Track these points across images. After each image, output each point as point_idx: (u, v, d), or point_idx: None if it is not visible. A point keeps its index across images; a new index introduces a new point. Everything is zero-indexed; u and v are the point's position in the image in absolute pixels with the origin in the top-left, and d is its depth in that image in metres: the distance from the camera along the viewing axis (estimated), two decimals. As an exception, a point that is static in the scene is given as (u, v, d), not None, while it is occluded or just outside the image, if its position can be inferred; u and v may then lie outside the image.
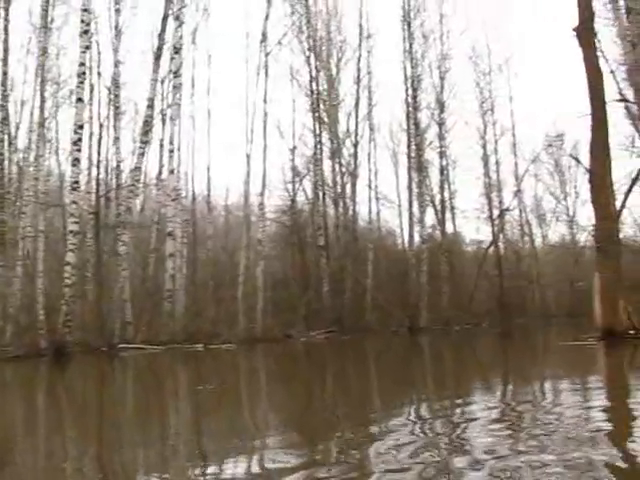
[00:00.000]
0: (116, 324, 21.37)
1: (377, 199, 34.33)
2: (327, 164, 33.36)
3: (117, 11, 26.89)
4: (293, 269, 31.73)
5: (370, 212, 33.93)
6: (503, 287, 33.03)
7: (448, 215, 36.15)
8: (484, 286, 34.32)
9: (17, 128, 29.14)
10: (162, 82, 27.92)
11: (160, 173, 28.96)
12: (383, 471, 3.71)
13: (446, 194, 35.99)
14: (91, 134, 27.07)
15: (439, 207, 35.24)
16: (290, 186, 32.59)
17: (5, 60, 24.64)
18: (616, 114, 19.96)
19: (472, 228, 37.90)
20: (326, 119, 33.95)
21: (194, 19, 29.33)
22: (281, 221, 33.07)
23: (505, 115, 37.60)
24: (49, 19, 24.49)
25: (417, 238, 32.86)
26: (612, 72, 18.55)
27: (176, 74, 24.62)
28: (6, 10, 24.54)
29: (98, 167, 27.41)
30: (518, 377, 10.00)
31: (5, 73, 24.80)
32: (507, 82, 37.39)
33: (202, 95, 30.88)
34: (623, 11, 17.75)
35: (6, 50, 24.66)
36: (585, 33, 16.33)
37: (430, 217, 34.62)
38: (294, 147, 32.28)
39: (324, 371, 13.45)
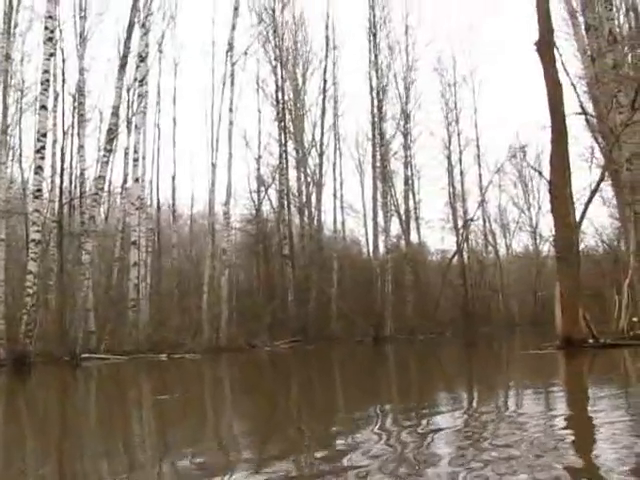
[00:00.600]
0: (79, 333, 21.10)
1: (342, 208, 34.56)
2: (293, 173, 33.54)
3: (82, 18, 26.71)
4: (258, 278, 31.72)
5: (335, 221, 34.14)
6: (467, 296, 33.38)
7: (413, 225, 36.49)
8: (449, 295, 34.63)
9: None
10: (128, 90, 27.75)
11: (125, 182, 28.74)
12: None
13: (411, 204, 36.34)
14: (55, 142, 26.79)
15: (404, 217, 35.52)
16: (255, 195, 32.65)
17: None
18: (576, 126, 20.37)
19: (437, 238, 38.36)
20: (292, 129, 34.04)
21: (160, 27, 29.25)
22: (246, 230, 33.09)
23: (470, 126, 38.11)
24: (12, 24, 24.24)
25: (382, 248, 33.05)
26: (573, 85, 18.88)
27: (141, 82, 24.55)
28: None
29: (62, 175, 27.12)
30: (482, 386, 10.10)
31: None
32: (472, 93, 37.92)
33: (168, 104, 30.86)
34: (583, 27, 18.09)
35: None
36: (545, 48, 16.61)
37: (395, 227, 34.92)
38: (259, 156, 32.36)
39: (288, 381, 13.44)
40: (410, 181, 36.41)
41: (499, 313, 37.06)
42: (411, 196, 36.55)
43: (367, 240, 36.41)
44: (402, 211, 35.58)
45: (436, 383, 11.31)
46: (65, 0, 27.65)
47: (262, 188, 32.79)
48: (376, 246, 33.39)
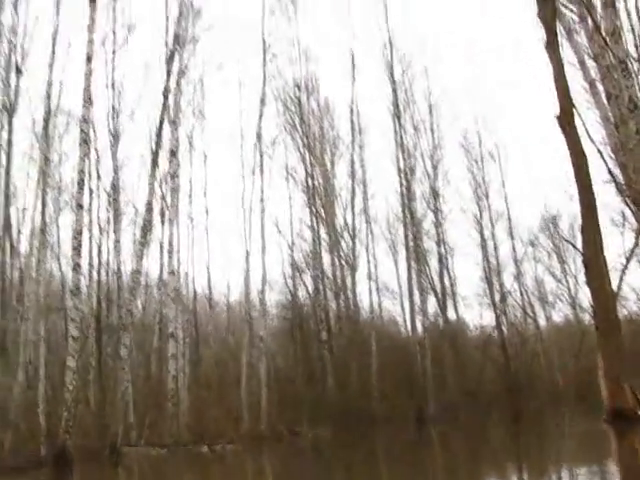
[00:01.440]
0: (119, 427, 21.08)
1: (378, 290, 34.43)
2: (326, 258, 33.64)
3: (115, 117, 27.68)
4: (296, 364, 31.52)
5: (372, 302, 33.95)
6: (509, 371, 32.76)
7: (450, 302, 36.21)
8: (491, 371, 34.04)
9: (19, 233, 29.56)
10: (160, 184, 28.46)
11: (161, 274, 29.13)
12: None
13: (446, 281, 36.17)
14: (91, 238, 27.40)
15: (440, 294, 35.33)
16: (290, 281, 32.78)
17: (8, 168, 25.18)
18: (606, 192, 20.31)
19: (475, 313, 37.95)
20: (323, 214, 34.39)
21: (189, 122, 30.14)
22: (283, 316, 33.10)
23: (499, 199, 38.15)
24: (50, 128, 25.22)
25: (420, 326, 32.80)
26: (599, 152, 18.90)
27: (173, 176, 25.13)
28: (9, 121, 25.21)
29: (99, 270, 27.63)
30: (534, 470, 9.82)
31: (8, 181, 25.30)
32: (499, 167, 38.11)
33: (199, 194, 31.47)
34: (603, 95, 18.26)
35: (9, 159, 25.23)
36: (566, 121, 16.77)
37: (432, 305, 34.69)
38: (292, 243, 32.64)
39: (338, 472, 13.13)
40: (444, 259, 36.39)
41: (543, 386, 36.17)
42: (446, 273, 36.47)
43: (404, 319, 36.20)
44: (438, 289, 35.45)
45: (488, 469, 11.04)
46: (98, 101, 28.57)
47: (297, 274, 32.99)
48: (414, 325, 33.14)
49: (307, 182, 33.85)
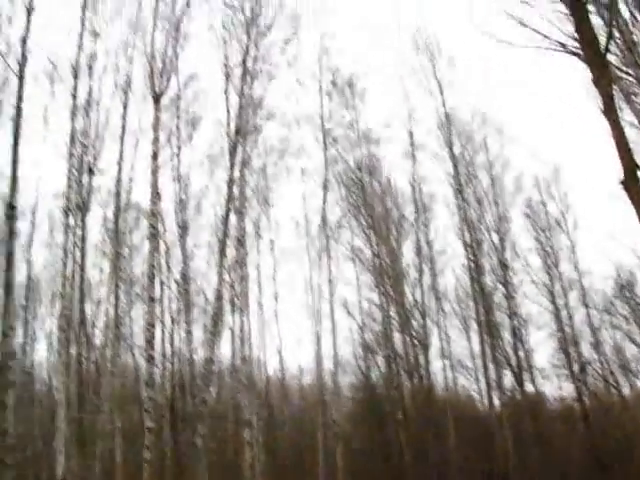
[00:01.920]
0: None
1: (452, 366, 33.87)
2: (397, 337, 33.36)
3: (182, 210, 28.51)
4: (372, 445, 31.00)
5: (446, 379, 33.37)
6: (595, 443, 31.47)
7: (527, 374, 35.27)
8: (574, 444, 32.78)
9: (94, 327, 30.30)
10: (229, 272, 28.94)
11: (233, 360, 29.33)
12: None
13: (521, 353, 35.32)
14: (163, 328, 27.91)
15: (516, 368, 34.49)
16: (362, 362, 32.56)
17: (82, 264, 25.98)
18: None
19: (553, 384, 36.75)
20: (392, 292, 34.31)
21: (255, 210, 30.81)
22: (357, 398, 32.77)
23: (570, 266, 37.38)
24: (121, 223, 26.09)
25: (497, 401, 32.00)
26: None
27: (241, 264, 25.56)
28: (82, 219, 26.14)
29: (172, 360, 28.01)
30: None
31: (82, 277, 26.09)
32: (567, 234, 37.50)
33: (268, 280, 31.87)
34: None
35: (83, 255, 26.07)
36: (631, 184, 16.54)
37: (508, 379, 33.86)
38: (363, 323, 32.56)
39: None
40: (517, 331, 35.62)
41: (633, 457, 34.52)
42: (520, 345, 35.64)
43: (481, 395, 35.40)
44: (513, 362, 34.63)
45: None
46: (166, 194, 29.55)
47: (368, 354, 32.79)
48: (491, 400, 32.36)
49: (374, 262, 33.94)
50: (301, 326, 34.47)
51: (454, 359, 34.41)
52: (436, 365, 33.98)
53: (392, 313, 33.72)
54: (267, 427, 29.52)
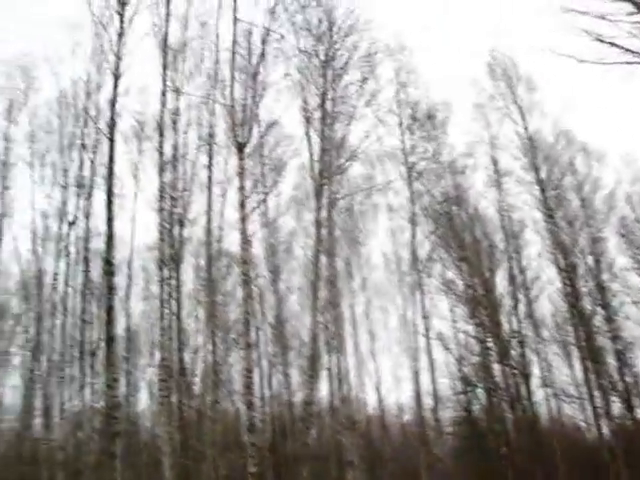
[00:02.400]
0: None
1: (555, 395, 32.90)
2: (496, 368, 32.66)
3: (272, 254, 28.85)
4: (478, 481, 30.27)
5: (550, 409, 32.43)
6: None
7: (637, 400, 33.87)
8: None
9: (193, 374, 30.83)
10: (322, 313, 29.03)
11: (332, 401, 29.30)
12: None
13: (629, 378, 33.99)
14: (261, 373, 28.16)
15: (624, 393, 33.19)
16: (462, 396, 31.96)
17: (178, 314, 26.55)
18: None
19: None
20: (488, 323, 33.69)
21: (345, 249, 30.91)
22: (458, 433, 32.14)
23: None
24: (213, 271, 26.59)
25: (606, 429, 30.80)
26: None
27: (334, 305, 25.60)
28: (177, 269, 26.77)
29: (271, 404, 28.17)
30: None
31: (179, 326, 26.66)
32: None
33: (362, 318, 31.84)
34: None
35: (179, 305, 26.66)
36: None
37: (617, 405, 32.60)
38: (460, 357, 32.03)
39: None
40: (622, 355, 34.34)
41: None
42: (627, 370, 34.32)
43: (588, 424, 34.13)
44: (620, 387, 33.33)
45: None
46: (256, 240, 30.02)
47: (468, 388, 32.17)
48: (599, 428, 31.20)
49: (467, 293, 33.46)
50: (398, 363, 34.21)
51: (557, 388, 33.43)
52: (538, 395, 33.14)
53: (489, 344, 33.06)
54: (370, 467, 29.22)
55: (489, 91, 35.02)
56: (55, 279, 28.96)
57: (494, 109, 34.96)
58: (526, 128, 35.15)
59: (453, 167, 34.91)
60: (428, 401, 29.02)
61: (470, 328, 33.04)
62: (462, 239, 34.50)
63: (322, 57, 23.21)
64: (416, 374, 28.59)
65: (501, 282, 35.52)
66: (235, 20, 21.00)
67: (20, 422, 36.69)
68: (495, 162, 34.99)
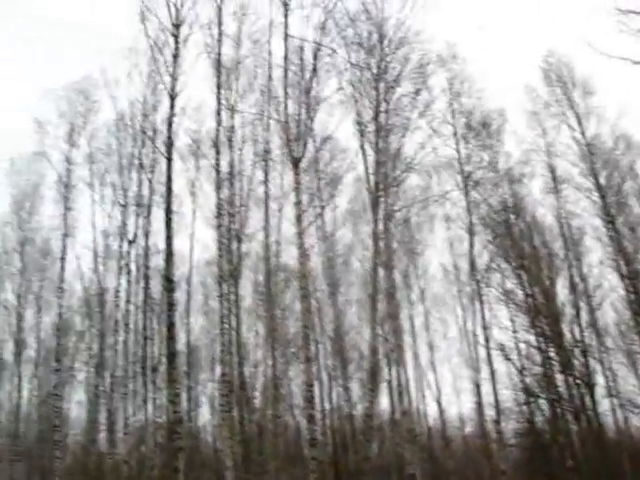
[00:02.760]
0: None
1: (621, 405, 32.14)
2: (560, 378, 32.05)
3: (330, 267, 28.91)
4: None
5: (616, 419, 31.68)
6: None
7: None
8: None
9: (253, 389, 31.02)
10: (381, 325, 28.96)
11: (392, 414, 29.15)
12: None
13: (702, 386, 33.06)
14: (321, 386, 28.18)
15: (698, 403, 32.28)
16: (525, 407, 31.42)
17: (238, 329, 26.77)
18: None
19: None
20: (549, 333, 33.11)
21: (403, 261, 30.80)
22: (522, 445, 31.58)
23: None
24: (272, 285, 26.78)
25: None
26: None
27: (393, 316, 25.51)
28: (235, 285, 27.01)
29: (332, 417, 28.14)
30: None
31: (239, 341, 26.87)
32: None
33: (421, 329, 31.67)
34: None
35: (238, 320, 26.89)
36: None
37: (691, 416, 31.73)
38: (522, 367, 31.52)
39: None
40: (692, 364, 33.45)
41: None
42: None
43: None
44: (693, 397, 32.42)
45: None
46: (314, 253, 30.17)
47: (530, 398, 31.59)
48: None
49: (528, 303, 32.92)
50: (458, 374, 33.90)
51: (623, 398, 32.65)
52: (604, 405, 32.41)
53: (552, 354, 32.46)
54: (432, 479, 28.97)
55: (544, 98, 34.47)
56: (117, 296, 29.51)
57: (550, 116, 34.40)
58: (583, 134, 34.51)
59: (510, 175, 34.46)
60: (490, 412, 28.63)
61: (531, 338, 32.47)
62: (521, 248, 33.98)
63: (374, 70, 23.20)
64: (477, 385, 28.28)
65: (562, 291, 34.91)
66: (286, 36, 21.26)
67: (85, 436, 37.48)
68: (552, 169, 34.45)
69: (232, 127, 25.51)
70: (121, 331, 29.20)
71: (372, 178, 22.99)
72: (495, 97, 42.41)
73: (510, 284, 33.19)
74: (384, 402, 30.38)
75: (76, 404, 40.48)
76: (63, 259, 28.71)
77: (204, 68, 23.19)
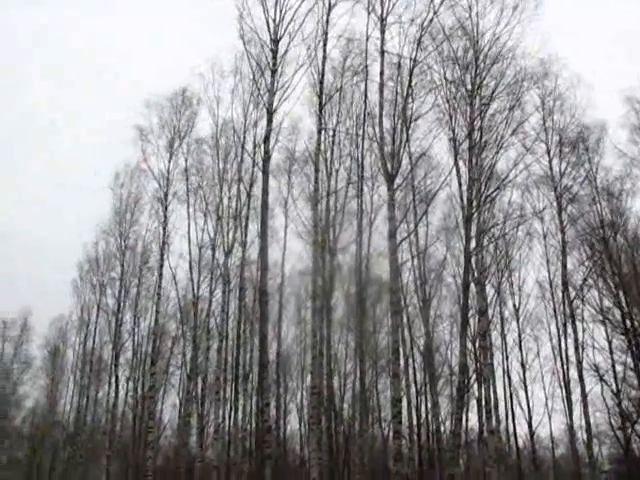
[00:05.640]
0: None
1: None
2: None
3: (423, 284, 28.83)
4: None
5: None
6: None
7: None
8: None
9: (342, 401, 31.22)
10: (473, 342, 28.69)
11: (481, 432, 28.75)
12: None
13: None
14: (409, 401, 28.08)
15: None
16: (620, 432, 30.47)
17: (329, 340, 26.88)
18: None
19: None
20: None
21: (496, 277, 30.41)
22: (617, 471, 30.67)
23: None
24: (364, 299, 26.88)
25: None
26: None
27: (484, 335, 25.19)
28: (327, 298, 27.17)
29: (419, 433, 28.01)
30: None
31: (329, 352, 26.99)
32: None
33: (513, 347, 31.16)
34: None
35: (329, 332, 27.01)
36: None
37: None
38: (618, 390, 30.59)
39: None
40: None
41: None
42: None
43: None
44: None
45: None
46: (406, 270, 30.17)
47: (627, 423, 30.60)
48: None
49: (625, 323, 31.93)
50: (550, 394, 33.08)
51: None
52: None
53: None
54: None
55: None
56: (210, 305, 30.20)
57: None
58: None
59: (609, 191, 33.50)
60: (582, 435, 27.93)
61: (629, 360, 31.47)
62: (619, 266, 32.99)
63: (469, 86, 23.02)
64: (569, 406, 27.61)
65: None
66: (382, 52, 21.33)
67: (177, 438, 38.50)
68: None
69: (329, 144, 25.93)
70: (215, 338, 29.86)
71: (465, 194, 22.79)
72: (595, 108, 40.87)
73: (607, 303, 32.32)
74: (473, 420, 30.06)
75: (169, 407, 41.67)
76: (161, 266, 29.54)
77: (302, 88, 23.38)
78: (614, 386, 30.91)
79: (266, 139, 21.43)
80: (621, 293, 32.41)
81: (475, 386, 28.92)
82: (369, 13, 22.21)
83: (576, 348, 28.02)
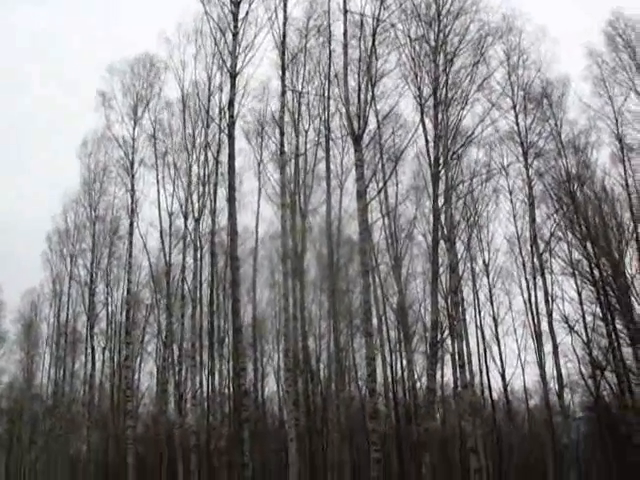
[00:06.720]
0: None
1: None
2: (627, 351, 31.53)
3: (393, 243, 29.00)
4: (612, 473, 29.32)
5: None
6: None
7: None
8: None
9: (317, 361, 31.48)
10: (445, 299, 29.00)
11: (455, 387, 29.22)
12: None
13: None
14: (384, 360, 28.44)
15: None
16: (591, 381, 31.09)
17: (302, 302, 27.02)
18: None
19: None
20: (617, 306, 32.52)
21: (465, 234, 30.67)
22: (588, 419, 31.33)
23: None
24: (335, 260, 27.02)
25: None
26: None
27: (456, 290, 25.46)
28: (299, 260, 27.28)
29: (394, 390, 28.38)
30: None
31: (303, 314, 27.14)
32: None
33: (485, 302, 31.53)
34: None
35: (302, 295, 27.15)
36: None
37: None
38: (588, 340, 31.15)
39: None
40: None
41: None
42: None
43: None
44: None
45: None
46: (376, 228, 30.31)
47: (597, 372, 31.21)
48: None
49: (593, 274, 32.37)
50: (523, 346, 33.61)
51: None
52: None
53: (619, 326, 31.91)
54: (495, 453, 28.99)
55: (610, 64, 33.27)
56: (183, 272, 30.18)
57: (617, 82, 33.22)
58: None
59: (574, 144, 33.68)
60: (554, 386, 28.48)
61: (598, 310, 31.99)
62: (587, 218, 33.35)
63: (432, 43, 22.96)
64: (541, 358, 28.14)
65: (631, 262, 34.17)
66: (345, 12, 21.17)
67: (155, 406, 38.69)
68: (620, 138, 33.45)
69: (296, 109, 25.80)
70: (189, 305, 29.88)
71: (432, 152, 22.86)
72: (557, 62, 40.70)
73: (576, 255, 32.72)
74: (448, 375, 30.52)
75: (146, 375, 41.77)
76: (131, 235, 29.42)
77: (265, 50, 23.16)
78: (584, 336, 31.48)
79: (230, 103, 21.24)
80: (589, 245, 32.80)
81: (449, 342, 29.33)
82: (330, -28, 22.15)
83: (546, 300, 28.40)
